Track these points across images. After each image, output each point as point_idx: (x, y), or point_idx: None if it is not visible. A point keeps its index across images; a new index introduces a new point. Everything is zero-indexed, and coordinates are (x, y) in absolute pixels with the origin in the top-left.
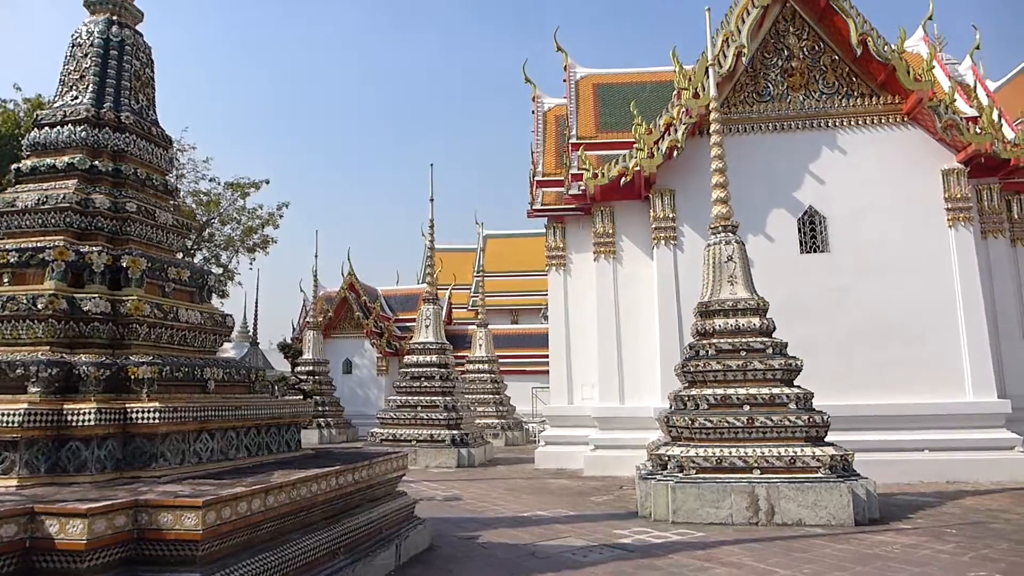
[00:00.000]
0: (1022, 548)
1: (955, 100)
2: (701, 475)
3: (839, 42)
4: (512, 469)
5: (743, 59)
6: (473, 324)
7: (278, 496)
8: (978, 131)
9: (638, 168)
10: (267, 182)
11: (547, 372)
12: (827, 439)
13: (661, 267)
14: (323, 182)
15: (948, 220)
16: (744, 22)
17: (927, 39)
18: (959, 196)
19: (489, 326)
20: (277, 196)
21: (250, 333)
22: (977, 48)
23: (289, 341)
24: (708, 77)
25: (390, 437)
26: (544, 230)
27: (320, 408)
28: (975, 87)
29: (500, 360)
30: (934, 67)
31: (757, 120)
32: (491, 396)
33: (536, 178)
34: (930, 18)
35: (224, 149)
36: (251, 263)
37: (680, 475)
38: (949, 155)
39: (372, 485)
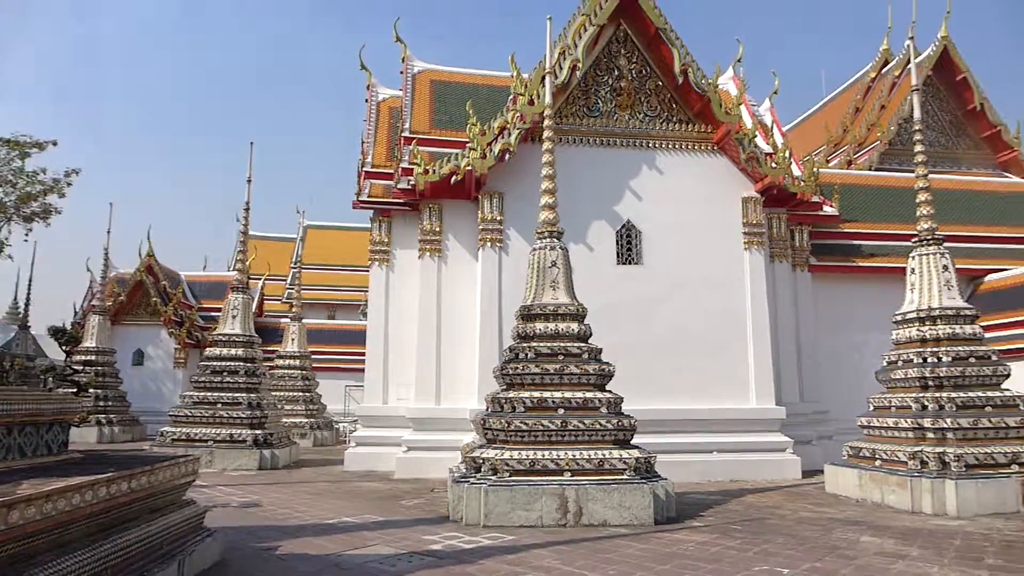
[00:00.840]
0: (795, 542)
1: (756, 136)
2: (514, 478)
3: (664, 69)
4: (320, 471)
5: (577, 73)
6: (286, 317)
7: (25, 512)
8: (773, 166)
9: (470, 168)
10: (55, 143)
11: (363, 370)
12: (633, 442)
13: (486, 268)
14: (126, 155)
15: (744, 243)
16: (581, 38)
17: (736, 79)
18: (755, 222)
19: (304, 320)
20: (69, 163)
21: (20, 314)
22: (775, 93)
23: (67, 326)
24: (544, 86)
25: (183, 437)
26: (369, 224)
27: (101, 403)
28: (772, 127)
29: (314, 356)
30: (741, 104)
31: (586, 133)
32: (301, 394)
33: (364, 168)
34: (739, 60)
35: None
36: (27, 234)
37: (494, 478)
38: (749, 184)
39: (153, 494)
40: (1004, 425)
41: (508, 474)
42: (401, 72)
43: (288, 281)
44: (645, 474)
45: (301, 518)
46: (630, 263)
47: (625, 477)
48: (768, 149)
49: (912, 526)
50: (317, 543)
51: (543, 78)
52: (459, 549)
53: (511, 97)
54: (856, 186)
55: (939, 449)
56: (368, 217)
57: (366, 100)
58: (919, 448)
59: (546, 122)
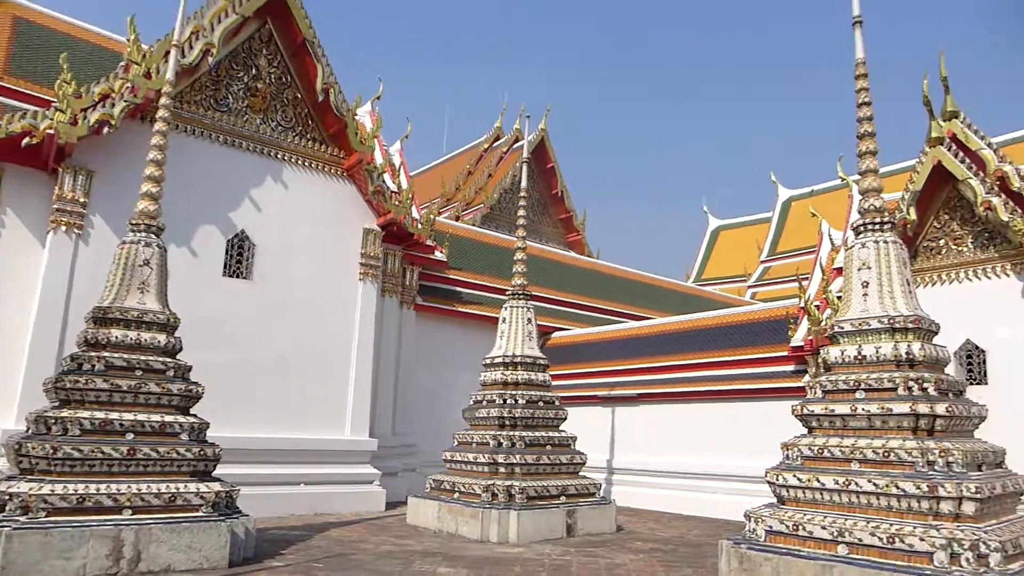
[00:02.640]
0: None
1: (384, 172)
2: (53, 518)
3: (305, 83)
4: None
5: (210, 59)
6: None
7: None
8: (397, 203)
9: (52, 131)
10: None
11: None
12: (215, 473)
13: (55, 256)
14: None
15: (360, 273)
16: (220, 22)
17: (373, 115)
18: (373, 254)
19: None
20: None
21: None
22: (407, 138)
23: None
24: (168, 61)
25: None
26: None
27: None
28: (399, 169)
29: None
30: (376, 139)
31: (209, 127)
32: None
33: None
34: (378, 98)
35: None
36: None
37: (22, 519)
38: (372, 217)
39: None
40: (558, 462)
41: (45, 514)
42: None
43: None
44: (224, 510)
45: None
46: (239, 276)
47: (201, 514)
48: (394, 188)
49: (481, 555)
50: None
51: (167, 52)
52: None
53: (123, 64)
54: (465, 238)
55: (508, 482)
56: None
57: None
58: (492, 481)
59: (163, 100)
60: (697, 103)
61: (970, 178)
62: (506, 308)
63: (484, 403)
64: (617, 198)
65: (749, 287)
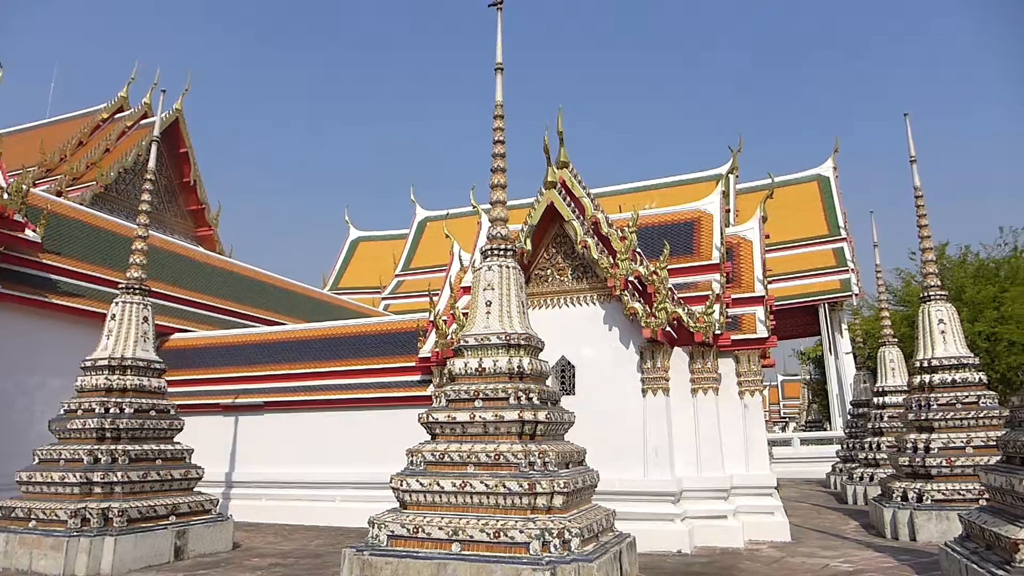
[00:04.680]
0: None
1: None
2: None
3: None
4: None
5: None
6: None
7: None
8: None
9: None
10: None
11: None
12: None
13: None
14: None
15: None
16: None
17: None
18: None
19: None
20: None
21: None
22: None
23: None
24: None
25: None
26: None
27: None
28: None
29: None
30: None
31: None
32: None
33: None
34: None
35: None
36: None
37: None
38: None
39: None
40: (170, 477)
41: None
42: None
43: None
44: None
45: None
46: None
47: None
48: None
49: None
50: None
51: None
52: None
53: None
54: (69, 218)
55: (105, 504)
56: None
57: None
58: (84, 504)
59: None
60: (364, 126)
61: (573, 220)
62: (117, 304)
63: (80, 412)
64: (260, 195)
65: (384, 299)
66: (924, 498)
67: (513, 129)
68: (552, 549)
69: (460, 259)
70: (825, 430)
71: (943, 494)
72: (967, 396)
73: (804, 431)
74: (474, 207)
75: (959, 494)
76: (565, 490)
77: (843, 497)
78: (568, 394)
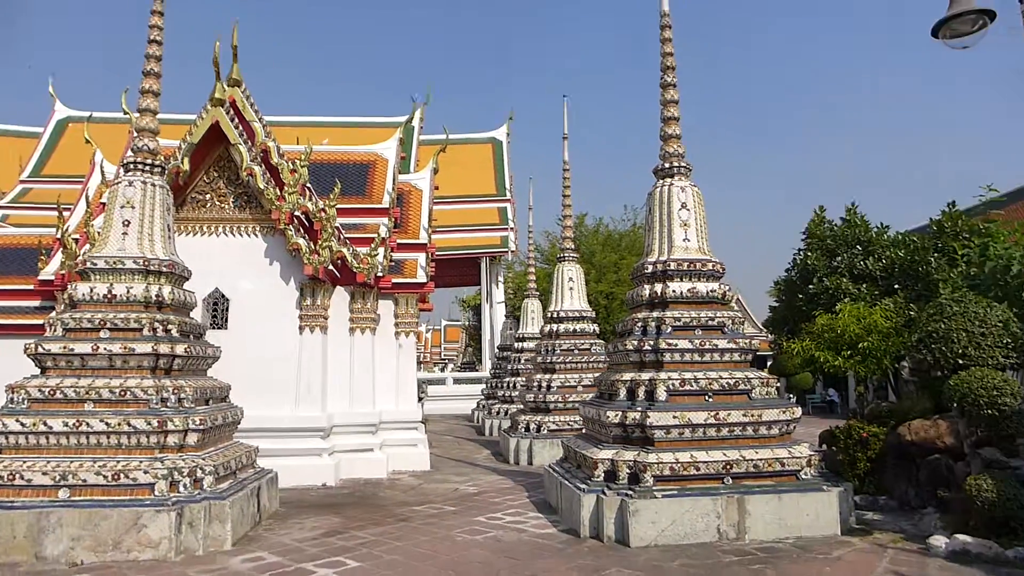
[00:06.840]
0: None
1: None
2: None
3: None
4: None
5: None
6: None
7: None
8: None
9: None
10: None
11: None
12: None
13: None
14: None
15: None
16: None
17: None
18: None
19: None
20: None
21: None
22: None
23: None
24: None
25: None
26: None
27: None
28: None
29: None
30: None
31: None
32: None
33: None
34: None
35: None
36: None
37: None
38: None
39: None
40: None
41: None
42: None
43: None
44: None
45: None
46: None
47: None
48: None
49: None
50: None
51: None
52: None
53: None
54: None
55: None
56: None
57: None
58: None
59: None
60: None
61: (240, 144)
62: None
63: None
64: None
65: (2, 207)
66: (542, 429)
67: (190, 43)
68: (182, 489)
69: (103, 171)
70: (477, 371)
71: (557, 425)
72: (583, 344)
73: (459, 372)
74: (125, 112)
75: (569, 425)
76: (200, 427)
77: (482, 430)
78: (220, 328)
